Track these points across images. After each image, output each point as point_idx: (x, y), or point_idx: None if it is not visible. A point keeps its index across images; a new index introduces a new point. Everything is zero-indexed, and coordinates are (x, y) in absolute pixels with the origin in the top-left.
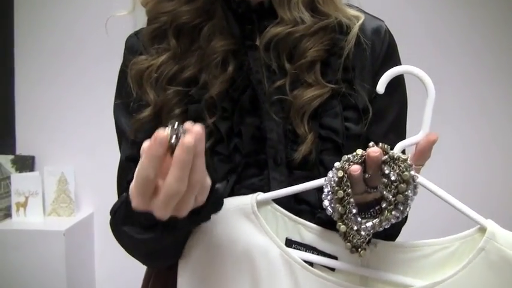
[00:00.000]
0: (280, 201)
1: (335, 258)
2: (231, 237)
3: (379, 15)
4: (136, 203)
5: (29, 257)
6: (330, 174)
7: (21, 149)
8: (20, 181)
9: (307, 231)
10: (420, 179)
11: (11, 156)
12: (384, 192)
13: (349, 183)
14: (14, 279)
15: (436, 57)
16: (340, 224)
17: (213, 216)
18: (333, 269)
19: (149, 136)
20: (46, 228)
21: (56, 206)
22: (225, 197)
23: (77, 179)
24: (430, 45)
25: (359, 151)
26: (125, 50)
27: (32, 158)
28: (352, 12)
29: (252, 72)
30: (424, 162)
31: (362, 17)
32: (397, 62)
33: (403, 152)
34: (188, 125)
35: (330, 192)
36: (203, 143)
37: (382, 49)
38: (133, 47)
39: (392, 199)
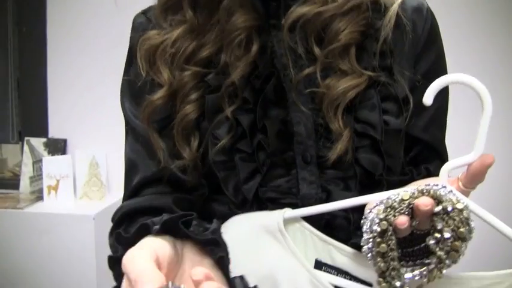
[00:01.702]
0: (310, 205)
1: (369, 285)
2: (255, 258)
3: None
4: None
5: (59, 240)
6: (370, 216)
7: (54, 132)
8: (51, 164)
9: (339, 253)
10: (473, 206)
11: (44, 139)
12: (436, 250)
13: (393, 237)
14: (44, 262)
15: None
16: (381, 280)
17: (235, 234)
18: None
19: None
20: (76, 212)
21: (87, 190)
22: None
23: (109, 162)
24: None
25: (405, 195)
26: (131, 30)
27: (64, 141)
28: None
29: (277, 55)
30: (475, 185)
31: None
32: (440, 47)
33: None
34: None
35: (371, 240)
36: None
37: (424, 31)
38: (141, 25)
39: (444, 256)
